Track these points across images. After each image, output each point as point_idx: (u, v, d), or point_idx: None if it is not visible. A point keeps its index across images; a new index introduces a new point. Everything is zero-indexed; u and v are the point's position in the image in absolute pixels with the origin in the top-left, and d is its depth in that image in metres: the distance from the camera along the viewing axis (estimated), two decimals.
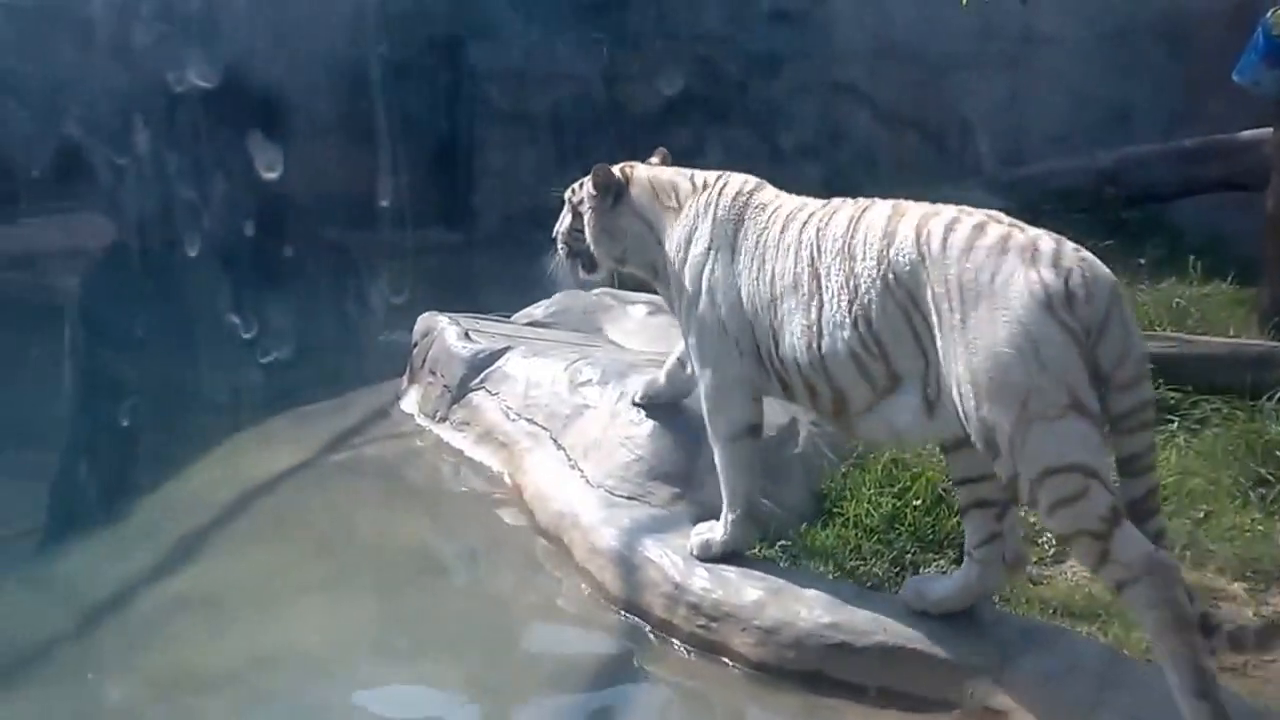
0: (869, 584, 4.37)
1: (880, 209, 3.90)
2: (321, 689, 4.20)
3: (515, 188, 10.23)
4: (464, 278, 9.54)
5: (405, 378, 6.67)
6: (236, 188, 10.16)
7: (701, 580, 4.24)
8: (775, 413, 5.06)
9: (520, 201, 9.18)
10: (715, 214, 4.26)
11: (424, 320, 6.72)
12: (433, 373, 6.34)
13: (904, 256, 3.67)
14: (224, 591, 4.78)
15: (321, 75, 10.95)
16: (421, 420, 6.25)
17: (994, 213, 3.73)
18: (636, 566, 4.43)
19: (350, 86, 10.99)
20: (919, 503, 4.79)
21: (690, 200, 4.37)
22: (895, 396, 3.75)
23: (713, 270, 4.22)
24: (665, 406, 5.11)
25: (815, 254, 3.92)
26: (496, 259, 8.85)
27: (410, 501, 5.50)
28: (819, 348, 3.86)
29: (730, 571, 4.24)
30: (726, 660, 4.09)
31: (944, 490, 4.80)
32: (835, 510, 4.82)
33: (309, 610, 4.59)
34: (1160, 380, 5.53)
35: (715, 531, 4.38)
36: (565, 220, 4.76)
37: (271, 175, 9.46)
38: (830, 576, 4.36)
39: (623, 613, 4.41)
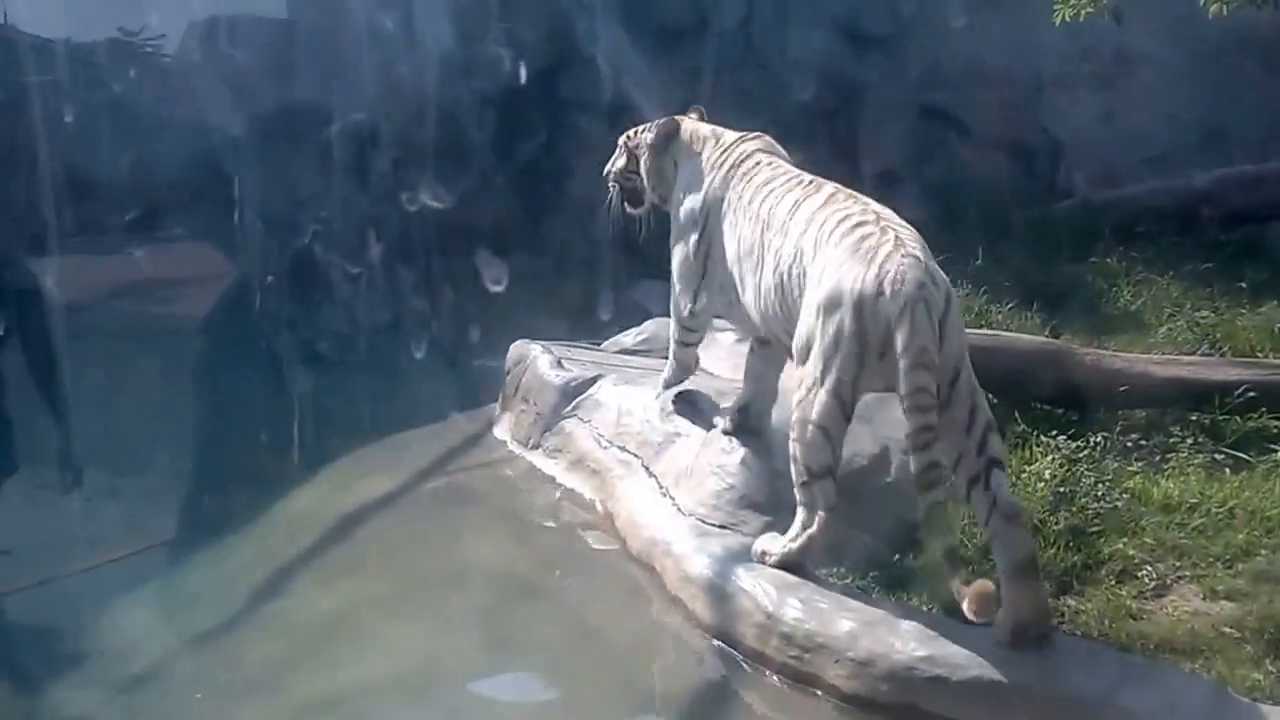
0: (963, 616, 4.32)
1: (815, 200, 4.51)
2: (425, 715, 4.27)
3: (604, 216, 10.28)
4: (553, 304, 9.61)
5: (499, 405, 6.76)
6: (332, 215, 10.41)
7: (794, 610, 4.24)
8: (865, 443, 5.10)
9: (608, 230, 9.25)
10: (715, 172, 5.04)
11: (516, 348, 6.82)
12: (525, 400, 6.44)
13: (808, 243, 4.35)
14: (325, 618, 4.89)
15: (415, 107, 11.15)
16: (514, 447, 6.34)
17: (888, 216, 4.31)
18: (729, 596, 4.44)
19: (443, 117, 11.17)
20: None
21: (707, 150, 5.14)
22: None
23: (704, 214, 5.03)
24: (760, 437, 5.12)
25: (765, 229, 4.63)
26: (585, 286, 8.90)
27: (504, 529, 5.58)
28: (762, 306, 4.64)
29: (824, 602, 4.24)
30: (819, 692, 4.09)
31: (1039, 521, 4.75)
32: (929, 541, 4.76)
33: (409, 637, 4.69)
34: (1263, 409, 5.46)
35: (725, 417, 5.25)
36: (620, 161, 5.57)
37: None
38: (924, 608, 4.33)
39: (715, 641, 4.43)
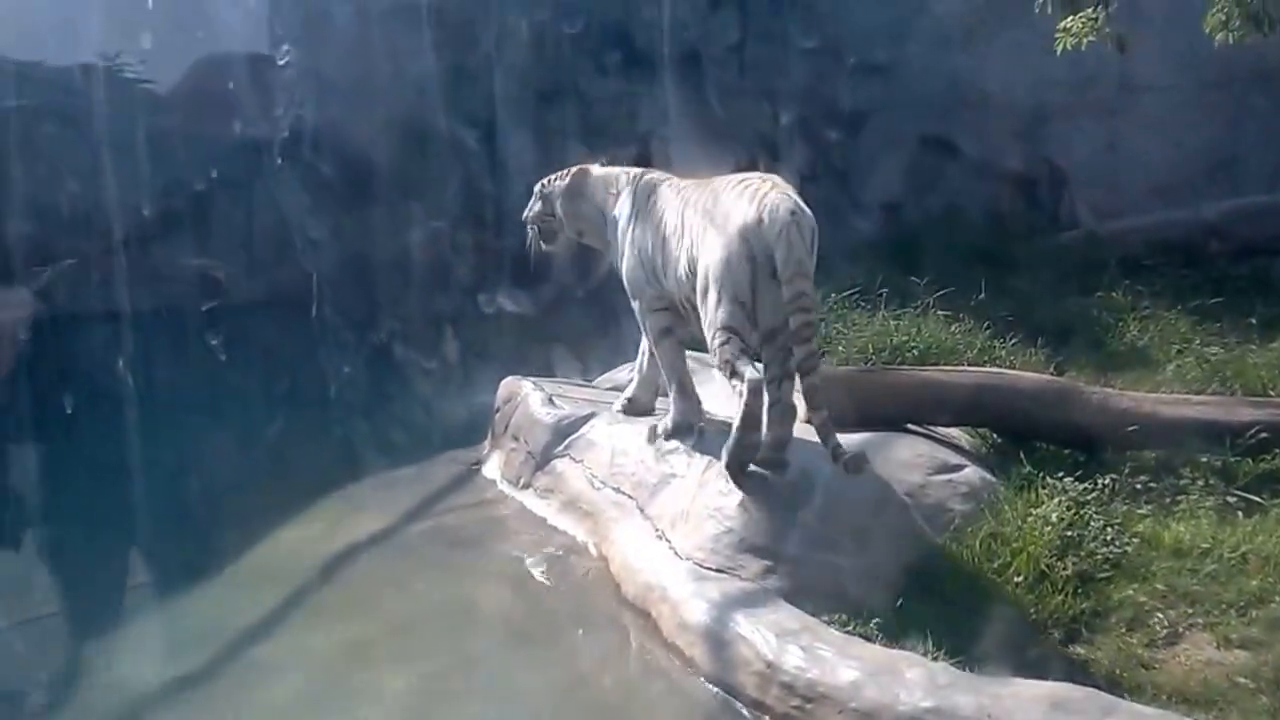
0: (968, 664, 4.33)
1: (727, 181, 5.46)
2: None
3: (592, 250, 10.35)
4: (541, 341, 9.64)
5: (487, 443, 6.76)
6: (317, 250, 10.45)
7: (795, 658, 4.23)
8: (867, 485, 5.11)
9: (596, 264, 9.28)
10: (635, 194, 5.96)
11: (506, 385, 6.83)
12: (516, 439, 6.44)
13: (710, 202, 5.41)
14: (310, 663, 4.87)
15: (398, 141, 11.21)
16: (504, 487, 6.35)
17: (770, 177, 5.41)
18: (727, 642, 4.44)
19: (423, 151, 11.22)
20: (1021, 579, 4.76)
21: (625, 188, 6.04)
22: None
23: (635, 230, 5.89)
24: (757, 479, 5.13)
25: (685, 211, 5.57)
26: (574, 322, 8.91)
27: (494, 571, 5.58)
28: (687, 269, 5.48)
29: (826, 650, 4.23)
30: None
31: (1046, 566, 4.76)
32: (932, 586, 4.78)
33: (396, 683, 4.67)
34: (1276, 451, 5.48)
35: (666, 418, 5.82)
36: (535, 206, 6.40)
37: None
38: (930, 656, 4.32)
39: (714, 689, 4.42)
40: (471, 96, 11.11)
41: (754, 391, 5.06)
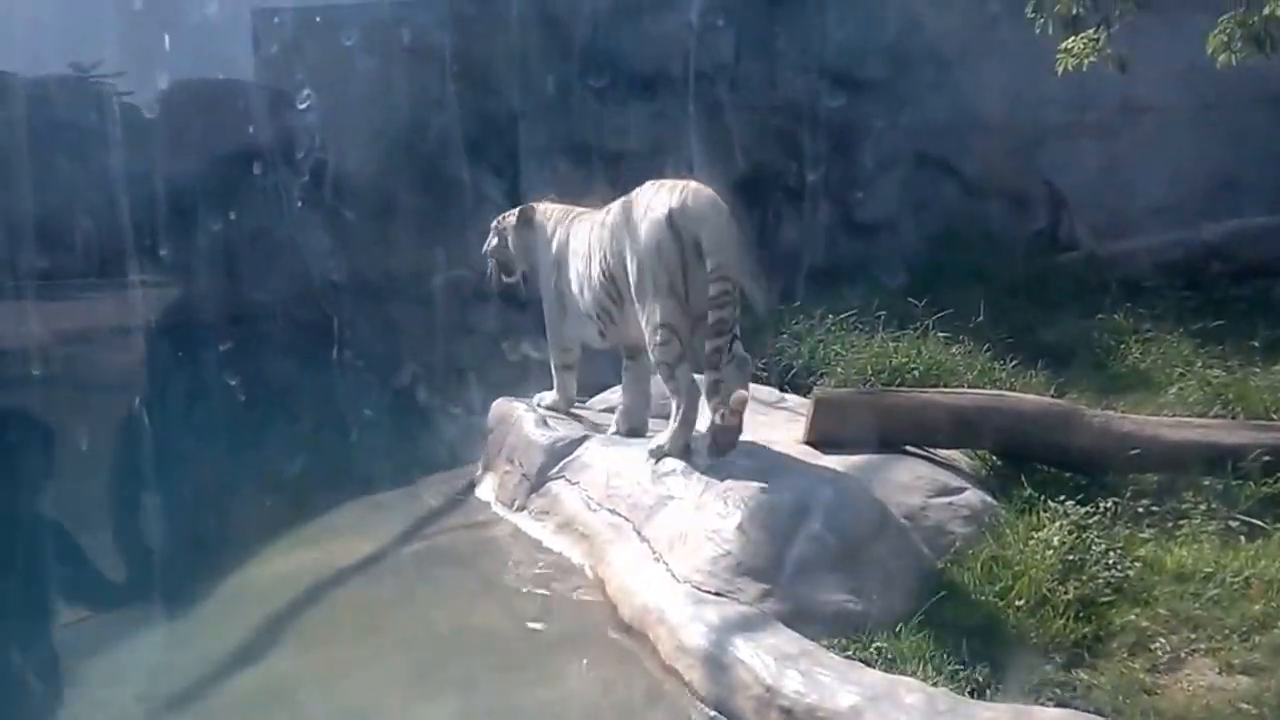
0: (969, 690, 4.36)
1: (640, 188, 5.85)
2: None
3: None
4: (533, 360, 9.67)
5: (481, 464, 6.79)
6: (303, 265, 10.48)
7: (795, 683, 4.25)
8: (867, 508, 5.15)
9: None
10: (558, 229, 6.55)
11: (499, 406, 6.87)
12: (510, 460, 6.47)
13: (624, 214, 5.88)
14: (300, 685, 4.88)
15: (385, 154, 11.28)
16: (499, 509, 6.37)
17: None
18: (726, 666, 4.46)
19: (413, 164, 11.28)
20: (1022, 603, 4.79)
21: (553, 221, 6.64)
22: (625, 306, 5.92)
23: (556, 264, 6.51)
24: (757, 500, 5.17)
25: (598, 232, 6.08)
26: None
27: (489, 594, 5.59)
28: (600, 274, 5.99)
29: (825, 675, 4.26)
30: None
31: (1048, 591, 4.79)
32: (932, 610, 4.81)
33: (387, 707, 4.67)
34: (1279, 474, 5.53)
35: (547, 398, 6.75)
36: (492, 241, 6.97)
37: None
38: (930, 682, 4.35)
39: (712, 714, 4.44)
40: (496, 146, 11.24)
41: (691, 404, 5.69)
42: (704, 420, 5.76)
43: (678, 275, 5.57)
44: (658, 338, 5.64)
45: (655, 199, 5.67)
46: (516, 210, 6.92)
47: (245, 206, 10.72)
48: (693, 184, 5.68)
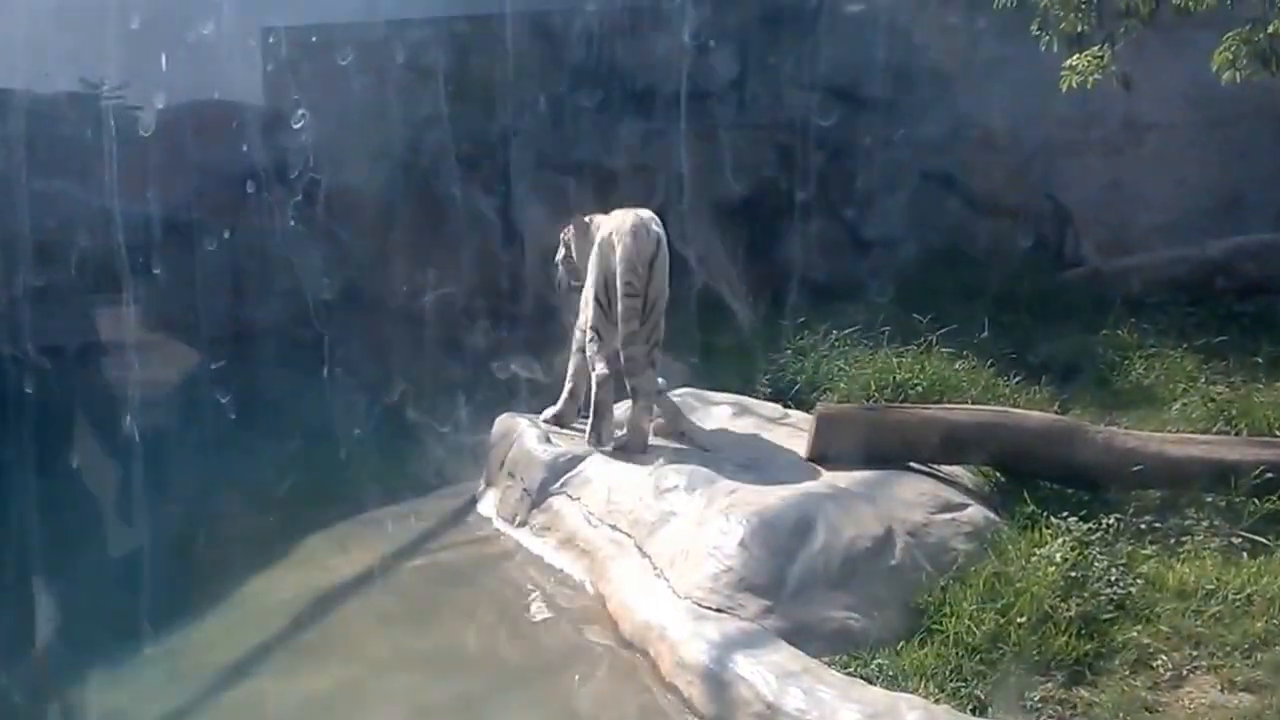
0: (970, 707, 4.37)
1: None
2: None
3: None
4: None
5: (483, 480, 6.80)
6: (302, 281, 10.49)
7: (796, 700, 4.26)
8: (869, 524, 5.17)
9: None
10: (596, 235, 6.73)
11: (502, 421, 6.89)
12: (511, 475, 6.49)
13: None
14: (299, 703, 4.89)
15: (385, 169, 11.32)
16: (500, 524, 6.39)
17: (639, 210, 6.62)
18: (727, 683, 4.47)
19: (413, 179, 11.32)
20: (1024, 620, 4.78)
21: (595, 230, 6.81)
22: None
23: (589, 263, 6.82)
24: (759, 516, 5.19)
25: (603, 241, 6.53)
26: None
27: (490, 611, 5.61)
28: (603, 290, 6.50)
29: (826, 692, 4.26)
30: None
31: (1050, 607, 4.79)
32: (934, 627, 4.82)
33: None
34: None
35: (553, 408, 6.89)
36: (561, 251, 7.27)
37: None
38: (931, 699, 4.36)
39: None
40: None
41: (600, 384, 6.40)
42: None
43: (601, 289, 6.47)
44: (587, 338, 6.56)
45: (605, 225, 6.56)
46: (576, 223, 7.19)
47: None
48: (636, 216, 6.47)
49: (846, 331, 8.17)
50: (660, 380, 6.69)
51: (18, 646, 5.64)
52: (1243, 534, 5.44)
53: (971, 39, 11.04)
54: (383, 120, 11.32)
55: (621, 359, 6.30)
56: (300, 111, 10.19)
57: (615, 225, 6.46)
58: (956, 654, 4.64)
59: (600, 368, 6.40)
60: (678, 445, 6.38)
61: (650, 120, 11.48)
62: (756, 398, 7.50)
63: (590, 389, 6.51)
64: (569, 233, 7.19)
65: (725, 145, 11.40)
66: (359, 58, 10.90)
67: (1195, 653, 4.66)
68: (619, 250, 6.30)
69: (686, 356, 7.89)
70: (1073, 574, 5.00)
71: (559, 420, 6.85)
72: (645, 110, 11.58)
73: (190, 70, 10.51)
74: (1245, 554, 5.30)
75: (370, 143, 11.35)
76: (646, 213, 6.58)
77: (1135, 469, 5.72)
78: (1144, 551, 5.31)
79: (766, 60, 11.73)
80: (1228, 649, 4.64)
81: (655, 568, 5.29)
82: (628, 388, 6.33)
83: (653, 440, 6.41)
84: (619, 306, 6.29)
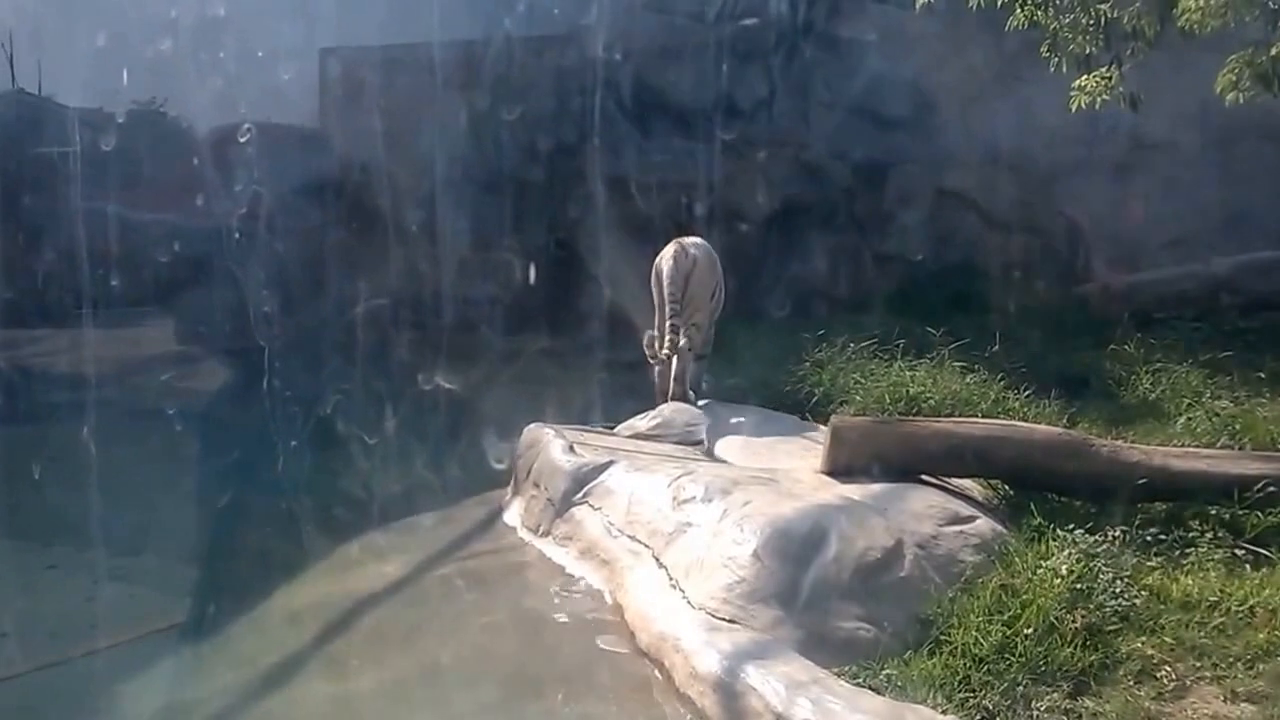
0: (978, 717, 4.28)
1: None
2: None
3: (624, 293, 10.32)
4: (570, 384, 9.62)
5: (509, 489, 6.75)
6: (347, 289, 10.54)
7: (805, 710, 4.17)
8: (879, 535, 5.08)
9: (629, 306, 9.33)
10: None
11: (530, 432, 6.83)
12: (536, 485, 6.43)
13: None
14: (327, 709, 4.84)
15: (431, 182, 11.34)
16: (524, 534, 6.32)
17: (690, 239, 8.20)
18: (738, 694, 4.38)
19: (462, 193, 11.34)
20: (1030, 631, 4.67)
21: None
22: None
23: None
24: (772, 528, 5.13)
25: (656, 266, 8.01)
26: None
27: (511, 619, 5.53)
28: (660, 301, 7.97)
29: (835, 703, 4.18)
30: None
31: (1056, 619, 4.69)
32: (942, 637, 4.72)
33: None
34: None
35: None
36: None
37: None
38: (940, 710, 4.27)
39: None
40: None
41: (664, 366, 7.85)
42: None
43: (660, 300, 7.89)
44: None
45: (669, 250, 8.02)
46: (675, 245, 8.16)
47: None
48: (676, 244, 7.99)
49: (864, 344, 8.10)
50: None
51: (47, 641, 5.60)
52: (1246, 546, 5.34)
53: (987, 61, 11.00)
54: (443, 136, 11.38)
55: (666, 345, 7.79)
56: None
57: (664, 253, 7.95)
58: (964, 664, 4.54)
59: (664, 355, 7.83)
60: (698, 457, 6.33)
61: (682, 136, 11.48)
62: (773, 409, 7.44)
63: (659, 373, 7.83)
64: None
65: (755, 164, 11.39)
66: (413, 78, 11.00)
67: (1199, 664, 4.55)
68: (664, 270, 7.83)
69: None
70: (1078, 586, 4.89)
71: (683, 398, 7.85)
72: (686, 129, 11.59)
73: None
74: (1248, 566, 5.18)
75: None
76: (689, 239, 8.05)
77: (1140, 482, 5.60)
78: (1149, 564, 5.19)
79: (796, 82, 11.73)
80: (1231, 660, 4.53)
81: (671, 578, 5.22)
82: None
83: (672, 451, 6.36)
84: (665, 309, 7.77)
